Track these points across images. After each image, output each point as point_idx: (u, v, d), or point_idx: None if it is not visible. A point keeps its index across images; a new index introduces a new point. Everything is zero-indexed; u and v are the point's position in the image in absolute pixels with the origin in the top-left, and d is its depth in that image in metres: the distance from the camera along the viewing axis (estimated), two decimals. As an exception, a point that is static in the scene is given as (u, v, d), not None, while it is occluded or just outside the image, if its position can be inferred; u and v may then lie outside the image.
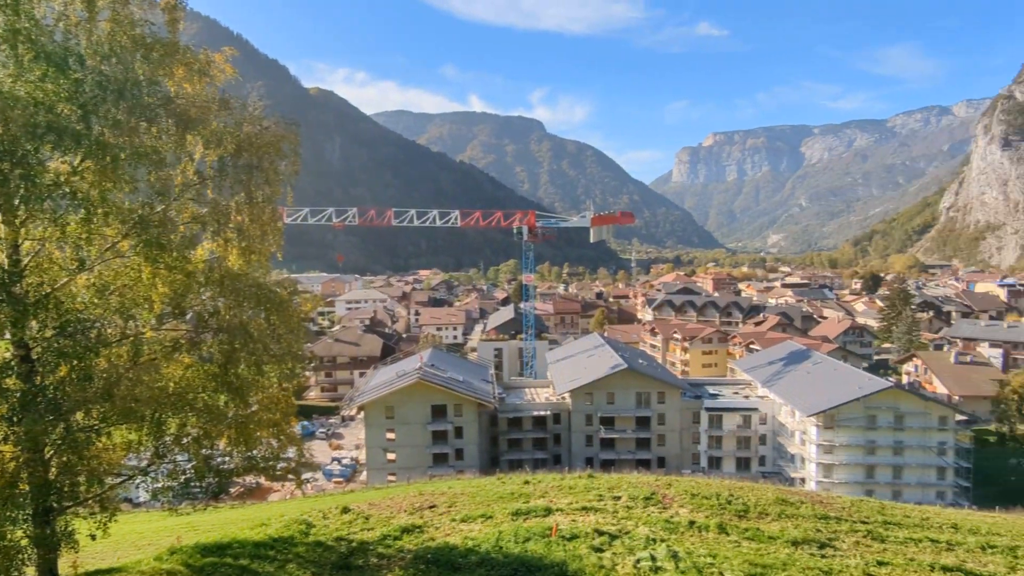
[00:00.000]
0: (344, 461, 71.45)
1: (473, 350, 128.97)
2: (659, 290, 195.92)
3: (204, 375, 16.71)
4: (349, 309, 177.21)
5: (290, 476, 20.74)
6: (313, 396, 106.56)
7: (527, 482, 32.06)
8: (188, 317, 17.60)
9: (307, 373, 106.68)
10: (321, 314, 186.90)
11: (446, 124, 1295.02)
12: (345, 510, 26.81)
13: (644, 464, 65.42)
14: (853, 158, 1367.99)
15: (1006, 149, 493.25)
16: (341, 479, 65.99)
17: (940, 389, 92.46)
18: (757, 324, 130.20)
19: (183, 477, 17.27)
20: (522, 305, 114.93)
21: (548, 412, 68.52)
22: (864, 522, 27.24)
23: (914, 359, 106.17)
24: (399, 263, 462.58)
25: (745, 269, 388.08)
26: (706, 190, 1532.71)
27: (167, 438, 16.55)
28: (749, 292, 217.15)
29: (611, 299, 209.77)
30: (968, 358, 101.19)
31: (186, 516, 20.62)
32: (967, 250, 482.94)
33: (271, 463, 18.92)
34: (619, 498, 28.05)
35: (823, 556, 22.46)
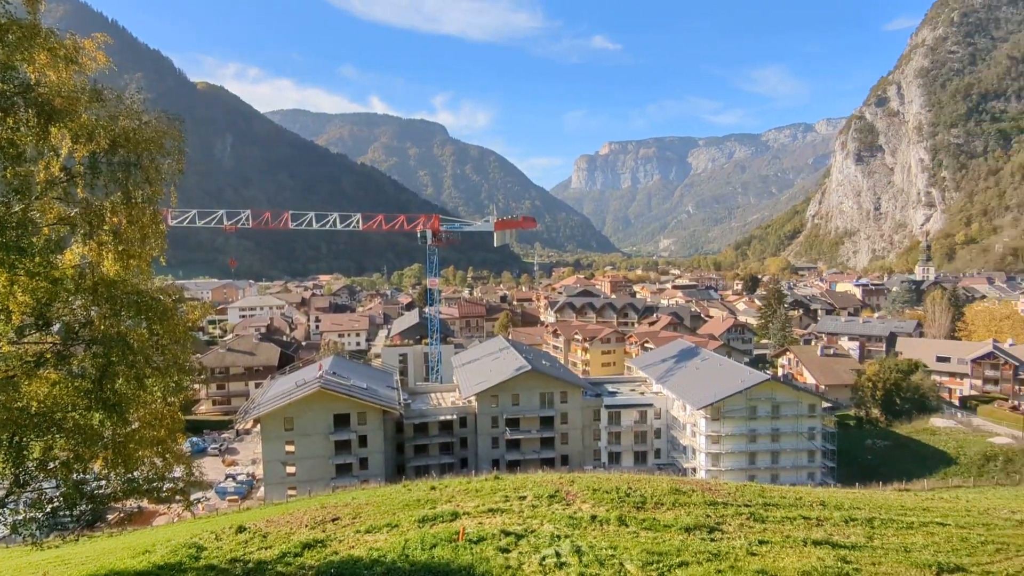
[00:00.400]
0: (239, 478, 67.33)
1: (377, 356, 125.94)
2: (561, 293, 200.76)
3: (75, 392, 15.02)
4: (243, 316, 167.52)
5: (178, 497, 19.19)
6: (204, 410, 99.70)
7: (434, 488, 31.67)
8: (56, 329, 15.85)
9: (196, 386, 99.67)
10: (212, 322, 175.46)
11: (346, 125, 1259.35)
12: (240, 529, 25.23)
13: (549, 463, 66.64)
14: (733, 169, 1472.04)
15: (859, 163, 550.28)
16: (236, 497, 62.09)
17: (809, 379, 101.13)
18: (651, 324, 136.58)
19: (50, 507, 15.48)
20: (427, 309, 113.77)
21: (454, 416, 68.15)
22: (747, 505, 29.17)
23: (787, 353, 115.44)
24: (297, 268, 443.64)
25: (639, 272, 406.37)
26: (603, 196, 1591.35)
27: (30, 464, 14.77)
28: (643, 294, 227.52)
29: (515, 302, 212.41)
30: (831, 351, 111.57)
31: (54, 549, 18.55)
32: (829, 253, 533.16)
33: (155, 485, 17.42)
34: (525, 498, 28.33)
35: (712, 540, 23.80)
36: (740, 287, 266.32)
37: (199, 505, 55.67)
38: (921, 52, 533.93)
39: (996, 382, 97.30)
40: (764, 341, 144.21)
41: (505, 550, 21.36)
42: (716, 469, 65.85)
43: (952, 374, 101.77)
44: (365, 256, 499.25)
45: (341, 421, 61.19)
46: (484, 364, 79.00)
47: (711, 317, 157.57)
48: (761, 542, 23.89)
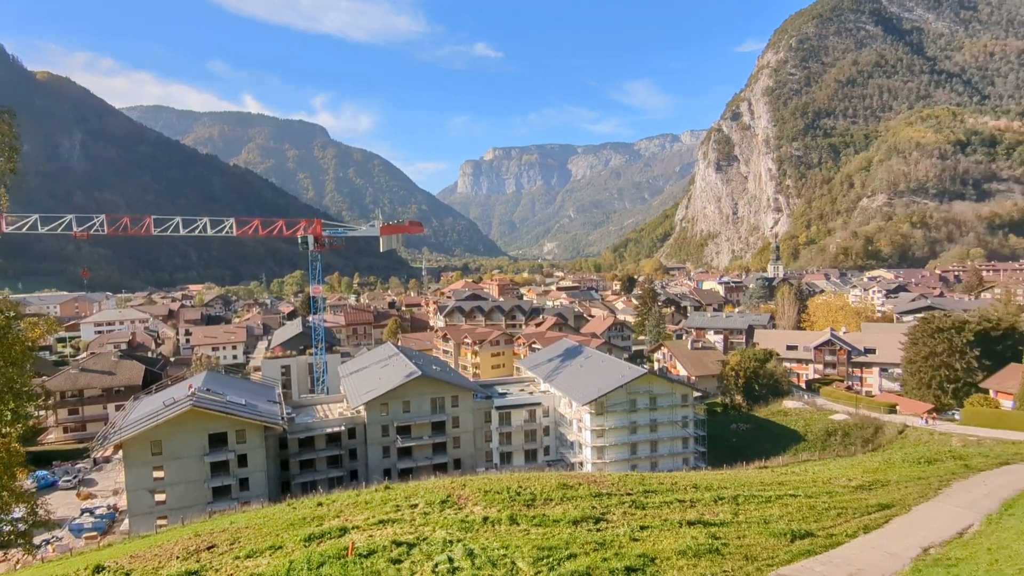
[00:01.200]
0: (98, 511, 60.40)
1: (257, 369, 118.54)
2: (449, 297, 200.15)
3: None
4: (100, 332, 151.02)
5: (19, 541, 16.81)
6: (53, 439, 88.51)
7: (321, 504, 30.27)
8: None
9: (42, 412, 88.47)
10: (61, 340, 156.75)
11: (217, 124, 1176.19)
12: (98, 569, 22.64)
13: (441, 468, 66.07)
14: (610, 176, 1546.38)
15: (719, 172, 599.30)
16: (95, 533, 55.60)
17: (682, 371, 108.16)
18: (538, 325, 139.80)
19: None
20: (311, 318, 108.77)
21: (342, 427, 65.62)
22: (629, 494, 30.61)
23: (662, 347, 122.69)
24: (163, 278, 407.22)
25: (526, 275, 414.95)
26: (489, 201, 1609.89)
27: None
28: (530, 296, 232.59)
29: (404, 308, 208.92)
30: (700, 344, 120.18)
31: None
32: (696, 254, 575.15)
33: (-11, 529, 15.15)
34: (416, 506, 27.83)
35: (598, 530, 24.70)
36: (619, 287, 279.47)
37: (49, 546, 49.31)
38: (767, 73, 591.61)
39: (834, 366, 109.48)
40: (641, 337, 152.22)
41: (397, 561, 20.84)
42: (601, 461, 68.56)
43: (799, 360, 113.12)
44: (241, 264, 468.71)
45: (217, 441, 56.84)
46: (373, 372, 76.87)
47: (593, 316, 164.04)
48: (642, 527, 25.14)
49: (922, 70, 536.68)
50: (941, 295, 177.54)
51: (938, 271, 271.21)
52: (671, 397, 72.85)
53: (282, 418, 61.70)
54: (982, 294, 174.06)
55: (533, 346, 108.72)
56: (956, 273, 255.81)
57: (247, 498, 55.01)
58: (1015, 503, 30.41)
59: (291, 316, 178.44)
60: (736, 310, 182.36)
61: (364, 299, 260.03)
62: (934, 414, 78.27)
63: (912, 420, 76.22)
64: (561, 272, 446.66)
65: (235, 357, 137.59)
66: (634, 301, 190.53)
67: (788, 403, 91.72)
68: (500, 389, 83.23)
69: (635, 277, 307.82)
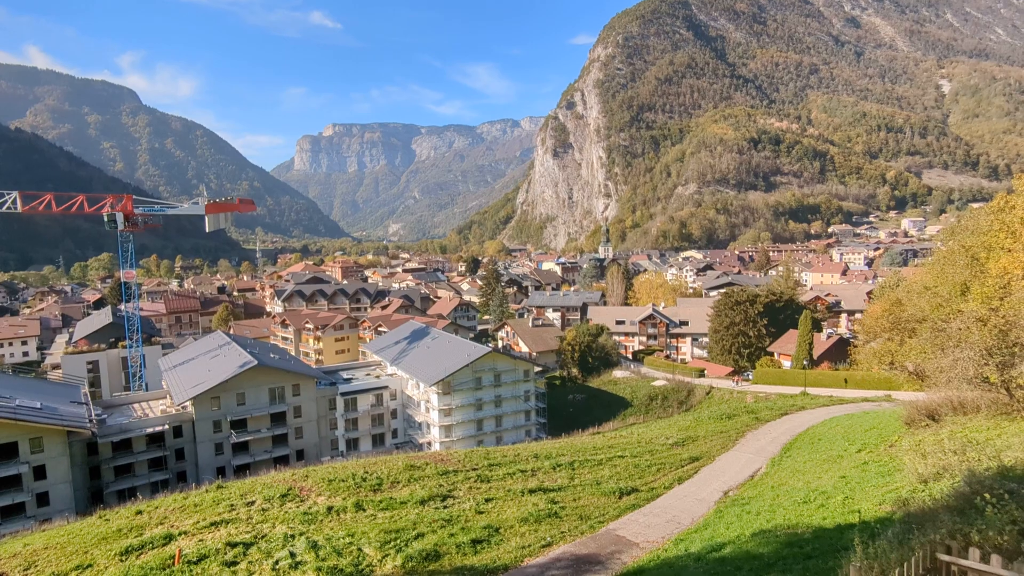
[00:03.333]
0: None
1: (56, 367, 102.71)
2: (288, 281, 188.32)
3: None
4: None
5: None
6: None
7: (140, 512, 27.26)
8: None
9: None
10: None
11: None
12: None
13: (283, 461, 62.66)
14: (454, 158, 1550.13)
15: (556, 158, 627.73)
16: None
17: (524, 348, 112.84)
18: (384, 308, 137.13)
19: None
20: (122, 307, 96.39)
21: (166, 426, 59.32)
22: (475, 469, 31.50)
23: (505, 326, 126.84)
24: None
25: (370, 257, 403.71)
26: (330, 180, 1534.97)
27: None
28: (375, 278, 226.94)
29: (236, 293, 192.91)
30: (540, 322, 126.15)
31: None
32: (536, 236, 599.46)
33: None
34: (253, 503, 26.19)
35: (445, 507, 25.15)
36: (464, 269, 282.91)
37: None
38: (597, 66, 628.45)
39: (656, 337, 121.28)
40: (486, 317, 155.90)
41: (233, 563, 19.52)
42: (449, 440, 69.57)
43: (627, 333, 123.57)
44: (31, 246, 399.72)
45: (6, 452, 48.57)
46: (201, 364, 70.31)
47: (439, 298, 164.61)
48: (487, 500, 26.04)
49: (724, 74, 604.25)
50: (739, 272, 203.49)
51: (737, 252, 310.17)
52: (514, 373, 75.75)
53: (90, 420, 54.30)
54: (769, 271, 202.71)
55: (379, 329, 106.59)
56: (750, 253, 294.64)
57: (48, 515, 47.89)
58: (791, 446, 36.21)
59: (99, 305, 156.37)
60: (572, 289, 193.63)
61: (189, 284, 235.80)
62: (737, 376, 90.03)
63: (718, 382, 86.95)
64: (407, 254, 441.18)
65: (26, 354, 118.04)
66: (479, 282, 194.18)
67: (618, 373, 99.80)
68: (345, 375, 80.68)
69: (480, 258, 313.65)
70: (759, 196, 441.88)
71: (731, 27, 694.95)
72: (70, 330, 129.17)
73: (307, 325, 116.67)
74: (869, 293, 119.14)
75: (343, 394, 71.10)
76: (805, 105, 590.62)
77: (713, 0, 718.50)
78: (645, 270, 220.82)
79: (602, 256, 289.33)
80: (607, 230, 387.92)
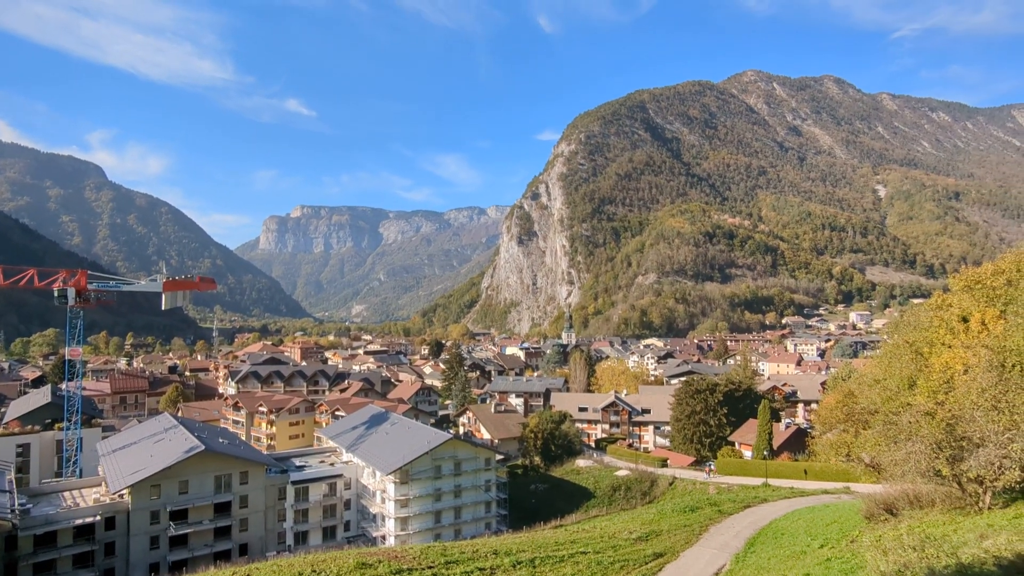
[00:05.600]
0: None
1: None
2: (244, 361, 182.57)
3: None
4: None
5: None
6: None
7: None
8: None
9: None
10: None
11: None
12: None
13: (224, 556, 58.21)
14: (420, 242, 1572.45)
15: (520, 245, 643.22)
16: None
17: (486, 435, 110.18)
18: (343, 391, 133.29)
19: None
20: (63, 385, 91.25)
21: (97, 517, 54.81)
22: (431, 567, 29.87)
23: (468, 411, 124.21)
24: None
25: (332, 338, 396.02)
26: (294, 260, 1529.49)
27: None
28: (335, 360, 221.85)
29: (188, 372, 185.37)
30: (503, 408, 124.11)
31: None
32: (500, 320, 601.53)
33: None
34: (190, 606, 24.11)
35: (400, 610, 23.58)
36: (427, 352, 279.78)
37: None
38: (561, 160, 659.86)
39: (618, 425, 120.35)
40: (448, 402, 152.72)
41: None
42: (405, 533, 66.02)
43: (589, 421, 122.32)
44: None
45: (-89, 547, 43.91)
46: (143, 448, 66.20)
47: (401, 381, 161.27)
48: (444, 602, 24.57)
49: (680, 172, 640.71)
50: (699, 361, 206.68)
51: (696, 340, 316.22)
52: (475, 461, 73.54)
53: (11, 510, 49.88)
54: (727, 360, 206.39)
55: (336, 413, 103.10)
56: (709, 342, 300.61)
57: (-50, 620, 42.84)
58: (755, 541, 35.61)
59: (37, 383, 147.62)
60: (535, 374, 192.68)
61: (139, 363, 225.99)
62: (711, 467, 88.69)
63: (681, 472, 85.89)
64: (370, 336, 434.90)
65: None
66: (442, 366, 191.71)
67: (580, 462, 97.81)
68: (297, 461, 76.99)
69: (443, 342, 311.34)
70: (716, 287, 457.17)
71: (685, 130, 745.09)
72: (3, 409, 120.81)
73: (260, 408, 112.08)
74: (823, 383, 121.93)
75: (294, 483, 67.49)
76: (756, 203, 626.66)
77: (668, 106, 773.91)
78: (607, 356, 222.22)
79: (565, 342, 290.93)
80: (570, 316, 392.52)
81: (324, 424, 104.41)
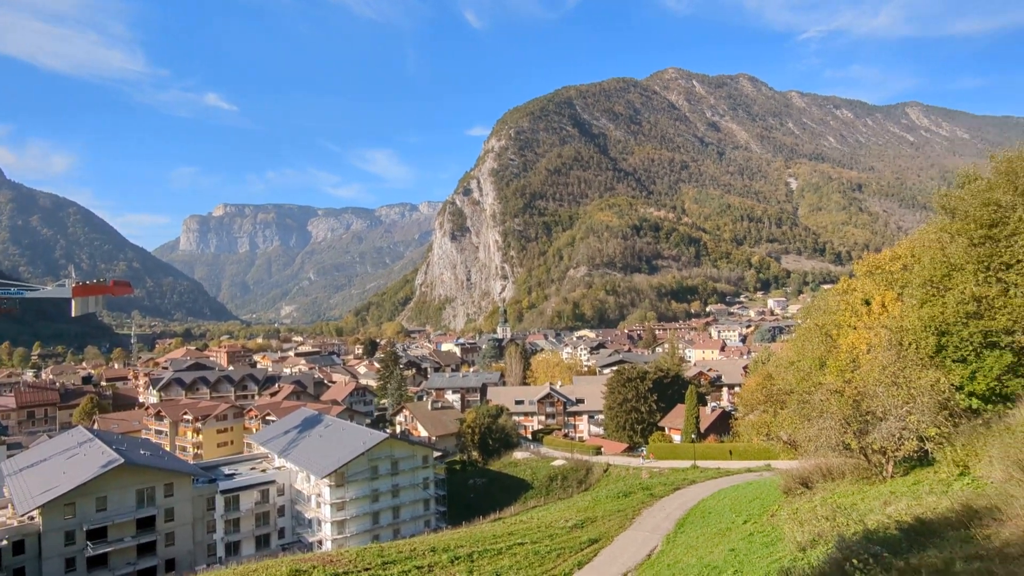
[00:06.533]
0: None
1: None
2: (167, 368, 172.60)
3: None
4: None
5: None
6: None
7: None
8: None
9: None
10: None
11: None
12: None
13: (149, 573, 55.09)
14: (351, 239, 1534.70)
15: (454, 241, 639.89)
16: None
17: (423, 432, 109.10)
18: (273, 395, 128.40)
19: None
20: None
21: (4, 542, 50.54)
22: (367, 569, 29.33)
23: (404, 410, 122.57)
24: None
25: (260, 340, 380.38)
26: (218, 260, 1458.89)
27: None
28: (265, 363, 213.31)
29: (104, 383, 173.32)
30: (440, 404, 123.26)
31: None
32: (435, 317, 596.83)
33: None
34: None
35: (337, 616, 23.00)
36: (361, 351, 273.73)
37: None
38: (492, 156, 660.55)
39: (554, 416, 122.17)
40: (384, 401, 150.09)
41: None
42: (342, 537, 64.48)
43: (526, 413, 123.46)
44: None
45: None
46: (55, 465, 61.50)
47: (334, 382, 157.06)
48: (383, 604, 24.16)
49: (608, 167, 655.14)
50: (629, 350, 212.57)
51: (626, 331, 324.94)
52: (413, 460, 72.74)
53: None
54: (656, 348, 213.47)
55: (267, 418, 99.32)
56: (638, 332, 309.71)
57: None
58: (685, 521, 37.04)
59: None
60: (471, 369, 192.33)
61: (47, 374, 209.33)
62: (643, 452, 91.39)
63: (615, 459, 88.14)
64: (300, 337, 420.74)
65: None
66: (376, 365, 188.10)
67: (518, 454, 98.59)
68: (227, 470, 73.65)
69: (377, 341, 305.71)
70: (644, 278, 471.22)
71: (611, 126, 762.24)
72: None
73: (185, 416, 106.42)
74: (745, 367, 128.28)
75: (223, 492, 64.55)
76: (679, 197, 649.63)
77: (595, 102, 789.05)
78: (542, 349, 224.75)
79: (500, 336, 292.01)
80: (505, 311, 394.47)
81: (254, 430, 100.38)
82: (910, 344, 32.99)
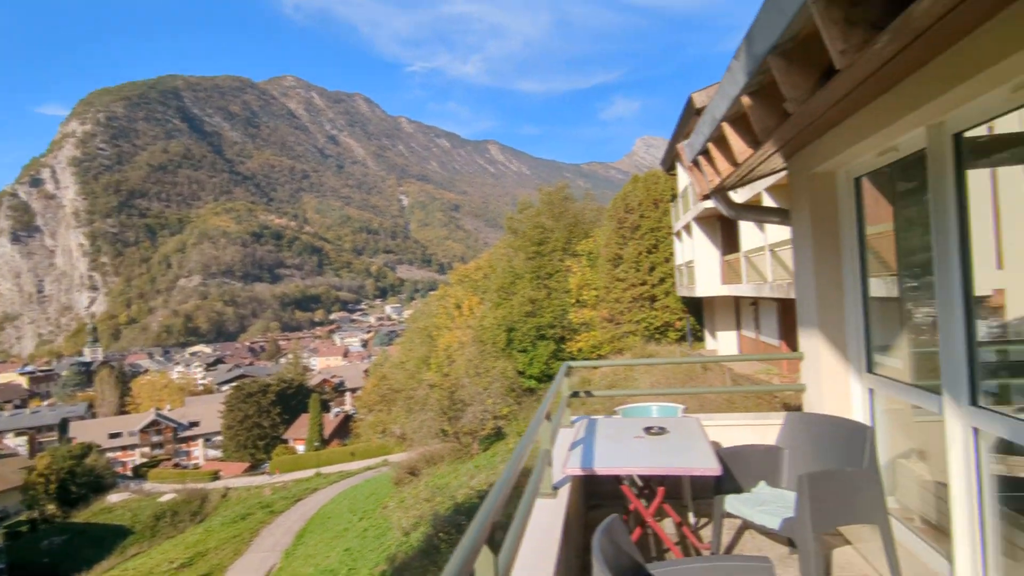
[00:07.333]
0: None
1: None
2: None
3: None
4: None
5: None
6: None
7: None
8: None
9: None
10: None
11: None
12: None
13: None
14: None
15: (17, 243, 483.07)
16: None
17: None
18: None
19: None
20: None
21: None
22: None
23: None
24: None
25: None
26: None
27: None
28: None
29: None
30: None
31: None
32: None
33: None
34: None
35: None
36: None
37: None
38: (73, 142, 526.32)
39: (162, 445, 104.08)
40: None
41: None
42: None
43: (125, 447, 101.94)
44: None
45: None
46: None
47: None
48: None
49: (223, 169, 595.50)
50: (252, 364, 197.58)
51: (248, 343, 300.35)
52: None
53: None
54: (280, 360, 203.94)
55: None
56: (261, 344, 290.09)
57: None
58: (304, 532, 36.42)
59: None
60: (46, 403, 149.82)
61: None
62: (275, 468, 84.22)
63: (234, 482, 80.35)
64: None
65: None
66: None
67: (112, 497, 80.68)
68: None
69: None
70: (266, 288, 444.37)
71: (227, 126, 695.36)
72: None
73: None
74: (366, 371, 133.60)
75: None
76: (301, 205, 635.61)
77: (207, 98, 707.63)
78: (147, 371, 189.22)
79: (89, 359, 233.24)
80: (94, 328, 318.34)
81: None
82: (488, 340, 39.77)
